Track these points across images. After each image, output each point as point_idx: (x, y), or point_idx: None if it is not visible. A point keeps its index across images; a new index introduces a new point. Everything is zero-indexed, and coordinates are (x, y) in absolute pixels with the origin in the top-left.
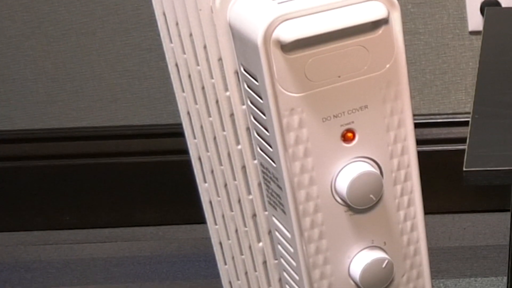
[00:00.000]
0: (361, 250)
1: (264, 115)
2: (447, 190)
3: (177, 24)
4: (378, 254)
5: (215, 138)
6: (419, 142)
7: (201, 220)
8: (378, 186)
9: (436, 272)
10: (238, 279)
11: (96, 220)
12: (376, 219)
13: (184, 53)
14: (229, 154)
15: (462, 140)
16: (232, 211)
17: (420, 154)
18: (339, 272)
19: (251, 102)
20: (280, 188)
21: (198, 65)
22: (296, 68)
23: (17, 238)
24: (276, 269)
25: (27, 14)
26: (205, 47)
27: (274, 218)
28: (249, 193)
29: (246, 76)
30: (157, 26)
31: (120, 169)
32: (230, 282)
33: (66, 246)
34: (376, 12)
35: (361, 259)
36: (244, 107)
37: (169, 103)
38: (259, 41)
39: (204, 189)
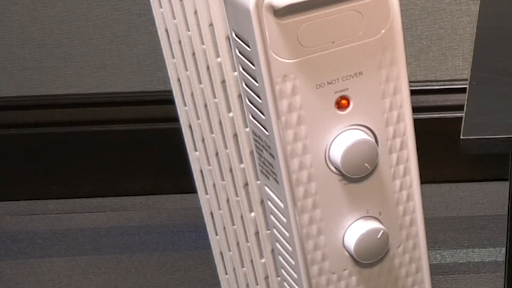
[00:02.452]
0: (356, 220)
1: (256, 81)
2: (444, 159)
3: None
4: (373, 225)
5: (206, 105)
6: (415, 109)
7: (192, 190)
8: (373, 155)
9: (432, 243)
10: (229, 250)
11: (84, 189)
12: (371, 188)
13: (174, 18)
14: (220, 122)
15: (459, 108)
16: (224, 180)
17: (416, 122)
18: (333, 243)
19: (243, 69)
20: (273, 156)
21: (188, 30)
22: (289, 33)
23: (3, 208)
24: (269, 240)
25: None
26: (195, 12)
27: (266, 188)
28: (241, 161)
29: (238, 42)
30: None
31: (108, 137)
32: (221, 253)
33: (53, 216)
34: None
35: (355, 230)
36: (236, 73)
37: (159, 70)
38: (251, 6)
39: (195, 157)
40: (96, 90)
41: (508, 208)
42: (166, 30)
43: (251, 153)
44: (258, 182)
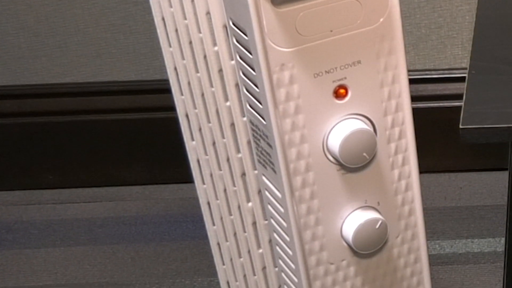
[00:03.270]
0: (354, 210)
1: (254, 70)
2: (443, 148)
3: None
4: (372, 215)
5: (203, 94)
6: (414, 98)
7: (189, 180)
8: (371, 144)
9: (431, 233)
10: (226, 240)
11: (80, 179)
12: (369, 178)
13: (171, 6)
14: (217, 111)
15: (458, 97)
16: (221, 170)
17: (415, 111)
18: (331, 233)
19: (240, 57)
20: (270, 146)
21: (185, 19)
22: (287, 22)
23: None
24: (266, 230)
25: None
26: (192, 0)
27: (264, 177)
28: (238, 151)
29: (235, 31)
30: None
31: (104, 127)
32: (218, 244)
33: (49, 206)
34: None
35: (354, 220)
36: (233, 62)
37: (156, 58)
38: None
39: (192, 147)
40: (92, 79)
41: (507, 198)
42: (163, 19)
43: (249, 142)
44: (256, 171)
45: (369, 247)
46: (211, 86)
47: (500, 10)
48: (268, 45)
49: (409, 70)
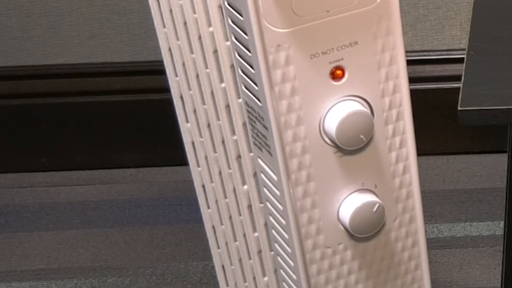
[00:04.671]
0: (351, 193)
1: (249, 51)
2: (441, 130)
3: None
4: (369, 198)
5: (197, 75)
6: (411, 80)
7: (183, 162)
8: (368, 126)
9: (429, 217)
10: (222, 224)
11: (73, 162)
12: (366, 160)
13: None
14: (212, 93)
15: (457, 78)
16: (216, 152)
17: (412, 93)
18: (327, 216)
19: (236, 38)
20: (266, 128)
21: None
22: (283, 2)
23: None
24: (262, 213)
25: None
26: None
27: (259, 160)
28: (234, 133)
29: (230, 11)
30: None
31: (98, 108)
32: (213, 227)
33: (41, 189)
34: None
35: (351, 203)
36: (228, 43)
37: (150, 39)
38: None
39: (186, 129)
40: (85, 60)
41: (506, 181)
42: None
43: (244, 124)
44: (251, 154)
45: (366, 231)
46: (206, 67)
47: None
48: (264, 25)
49: (406, 51)
